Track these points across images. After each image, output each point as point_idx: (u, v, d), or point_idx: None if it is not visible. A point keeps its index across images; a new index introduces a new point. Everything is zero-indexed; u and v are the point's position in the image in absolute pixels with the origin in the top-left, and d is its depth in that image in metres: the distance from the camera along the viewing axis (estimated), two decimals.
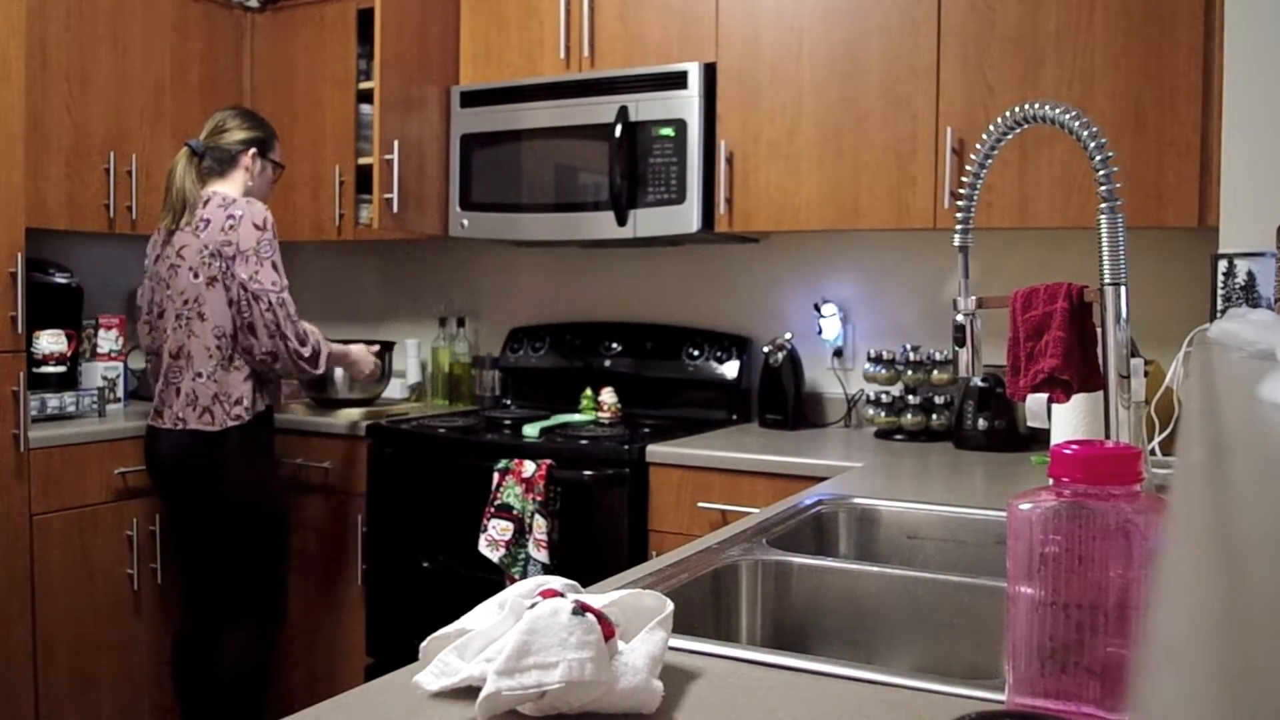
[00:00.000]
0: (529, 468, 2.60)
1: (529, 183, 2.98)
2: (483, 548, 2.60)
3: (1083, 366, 1.37)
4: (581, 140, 2.91)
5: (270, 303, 2.54)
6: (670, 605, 0.99)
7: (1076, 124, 1.31)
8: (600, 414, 2.99)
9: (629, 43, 2.91)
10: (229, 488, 2.60)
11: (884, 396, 2.78)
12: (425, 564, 2.83)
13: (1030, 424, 2.14)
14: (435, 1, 3.11)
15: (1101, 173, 1.30)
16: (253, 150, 2.72)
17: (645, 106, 2.80)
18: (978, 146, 1.43)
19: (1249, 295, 2.10)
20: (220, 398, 2.57)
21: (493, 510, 2.61)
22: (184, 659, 2.79)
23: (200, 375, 2.57)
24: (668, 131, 2.78)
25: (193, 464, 2.59)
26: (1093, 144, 1.30)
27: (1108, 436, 1.34)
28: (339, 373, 3.10)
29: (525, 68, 3.05)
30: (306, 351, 2.59)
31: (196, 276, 2.56)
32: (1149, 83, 2.34)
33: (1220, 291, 2.14)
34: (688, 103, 2.76)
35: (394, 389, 3.46)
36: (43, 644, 2.64)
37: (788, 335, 2.95)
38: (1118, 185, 1.31)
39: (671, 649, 0.99)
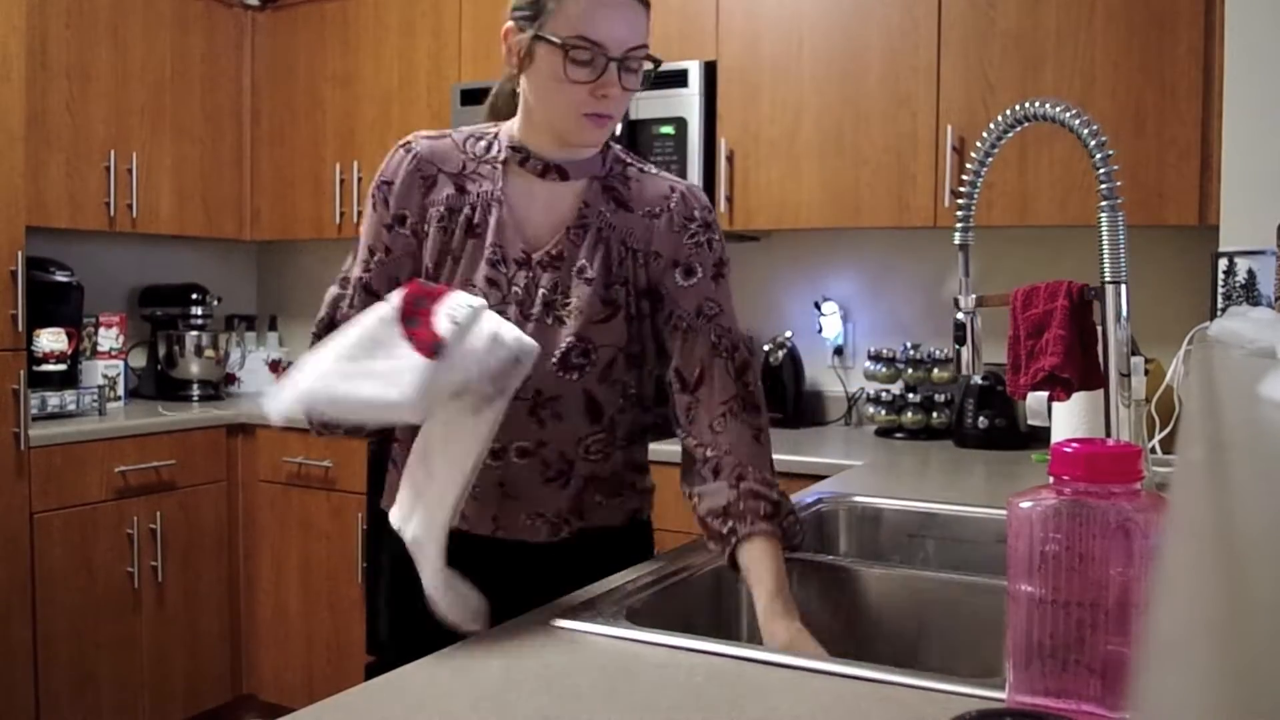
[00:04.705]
0: None
1: None
2: None
3: (1083, 364, 1.37)
4: None
5: None
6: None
7: (1077, 122, 1.31)
8: None
9: None
10: None
11: (884, 395, 2.77)
12: None
13: (1031, 422, 2.14)
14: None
15: (1102, 171, 1.30)
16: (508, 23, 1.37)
17: (646, 105, 2.80)
18: (978, 144, 1.43)
19: (1249, 293, 2.09)
20: None
21: None
22: None
23: None
24: (668, 130, 2.78)
25: None
26: (1093, 142, 1.30)
27: (1108, 435, 1.34)
28: None
29: None
30: None
31: None
32: (1149, 81, 2.34)
33: (1220, 289, 2.13)
34: (688, 101, 2.76)
35: None
36: (43, 642, 2.64)
37: (788, 333, 2.95)
38: (1118, 183, 1.31)
39: (672, 647, 0.99)
